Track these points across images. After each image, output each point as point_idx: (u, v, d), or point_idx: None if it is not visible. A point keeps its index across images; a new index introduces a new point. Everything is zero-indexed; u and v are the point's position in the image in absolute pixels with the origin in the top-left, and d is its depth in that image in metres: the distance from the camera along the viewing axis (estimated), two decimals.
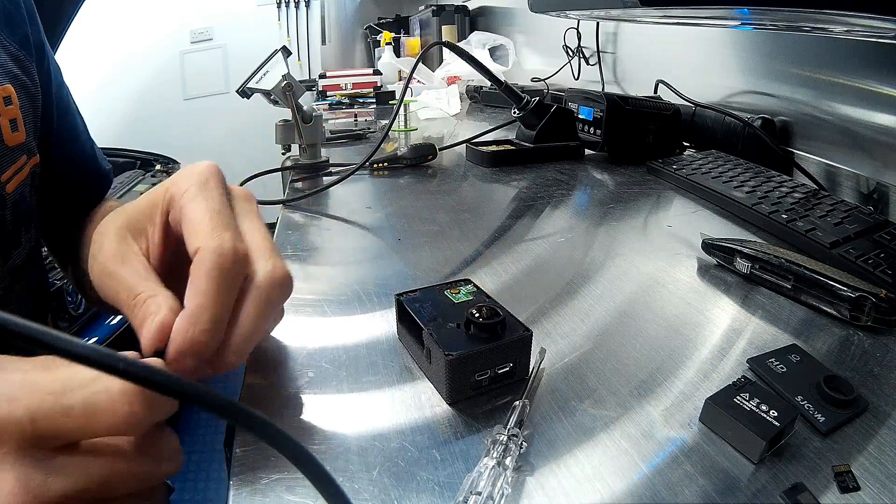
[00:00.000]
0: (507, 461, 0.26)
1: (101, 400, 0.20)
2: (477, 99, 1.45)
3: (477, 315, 0.33)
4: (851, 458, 0.28)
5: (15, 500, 0.19)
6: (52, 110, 0.45)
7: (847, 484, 0.26)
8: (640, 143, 0.83)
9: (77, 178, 0.50)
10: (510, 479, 0.26)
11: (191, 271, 0.25)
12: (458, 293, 0.37)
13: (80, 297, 1.39)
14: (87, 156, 0.52)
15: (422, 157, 0.83)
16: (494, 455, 0.27)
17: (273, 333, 0.40)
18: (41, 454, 0.20)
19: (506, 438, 0.27)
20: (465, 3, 2.12)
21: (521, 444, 0.28)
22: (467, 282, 0.39)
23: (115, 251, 0.28)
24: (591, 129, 0.84)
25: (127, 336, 1.44)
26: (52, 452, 0.20)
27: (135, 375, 0.17)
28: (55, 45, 1.63)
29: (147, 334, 0.25)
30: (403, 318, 0.37)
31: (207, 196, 0.28)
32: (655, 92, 1.01)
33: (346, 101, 1.58)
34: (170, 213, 0.29)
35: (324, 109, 1.46)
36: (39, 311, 0.45)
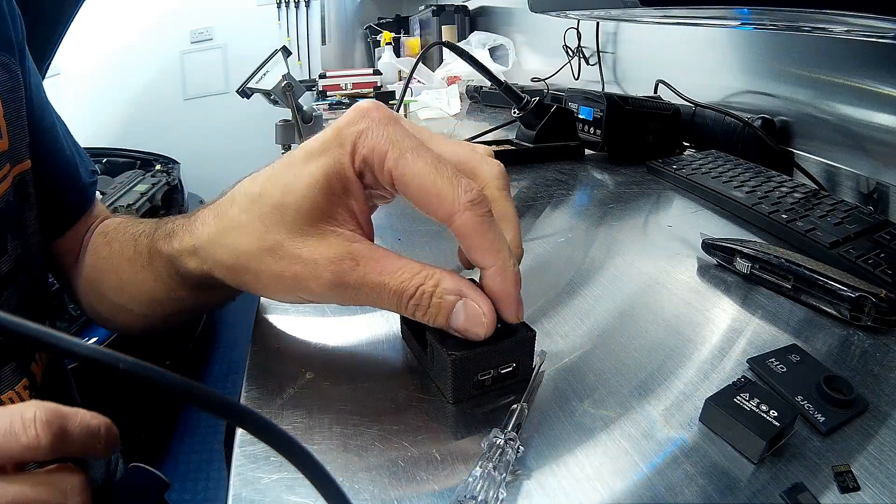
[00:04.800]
0: (504, 465, 0.26)
1: (15, 425, 0.20)
2: (477, 99, 1.45)
3: None
4: (851, 458, 0.28)
5: None
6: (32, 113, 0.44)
7: (847, 484, 0.26)
8: (640, 143, 0.83)
9: (53, 184, 0.45)
10: (506, 483, 0.26)
11: (471, 234, 0.26)
12: None
13: None
14: (65, 161, 0.47)
15: None
16: (491, 459, 0.26)
17: (273, 333, 0.40)
18: None
19: (503, 442, 0.27)
20: (465, 3, 2.12)
21: (518, 448, 0.28)
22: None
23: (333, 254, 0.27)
24: (591, 129, 0.84)
25: (127, 336, 1.44)
26: None
27: (135, 375, 0.17)
28: (55, 44, 1.63)
29: (482, 311, 0.27)
30: (406, 317, 0.37)
31: (425, 154, 0.26)
32: (655, 92, 1.01)
33: (346, 101, 1.58)
34: (374, 175, 0.27)
35: (324, 109, 1.46)
36: (33, 320, 0.44)
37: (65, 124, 0.49)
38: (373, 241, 0.30)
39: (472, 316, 0.27)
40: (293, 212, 0.27)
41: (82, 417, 0.22)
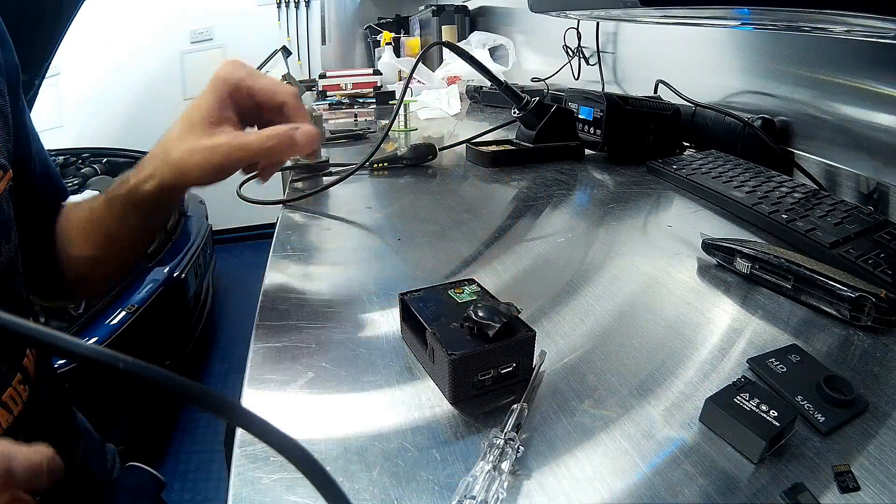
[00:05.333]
0: (504, 465, 0.26)
1: None
2: (477, 99, 1.45)
3: (481, 315, 0.32)
4: (851, 458, 0.28)
5: None
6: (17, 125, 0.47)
7: (847, 484, 0.26)
8: (640, 143, 0.83)
9: (40, 189, 0.51)
10: (506, 483, 0.26)
11: (289, 111, 0.42)
12: (462, 293, 0.37)
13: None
14: (45, 167, 0.52)
15: (422, 158, 0.83)
16: (490, 459, 0.26)
17: (273, 333, 0.40)
18: None
19: (502, 442, 0.27)
20: (465, 3, 2.12)
21: (518, 447, 0.28)
22: (471, 281, 0.39)
23: (219, 139, 0.41)
24: (591, 129, 0.84)
25: (127, 336, 1.44)
26: None
27: (135, 375, 0.17)
28: (55, 45, 1.63)
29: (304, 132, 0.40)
30: (407, 317, 0.37)
31: (259, 76, 0.43)
32: (655, 92, 1.01)
33: (346, 101, 1.58)
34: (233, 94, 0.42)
35: (324, 109, 1.46)
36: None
37: (36, 134, 0.53)
38: None
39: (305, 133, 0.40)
40: (197, 120, 0.41)
41: (25, 454, 0.24)
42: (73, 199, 0.56)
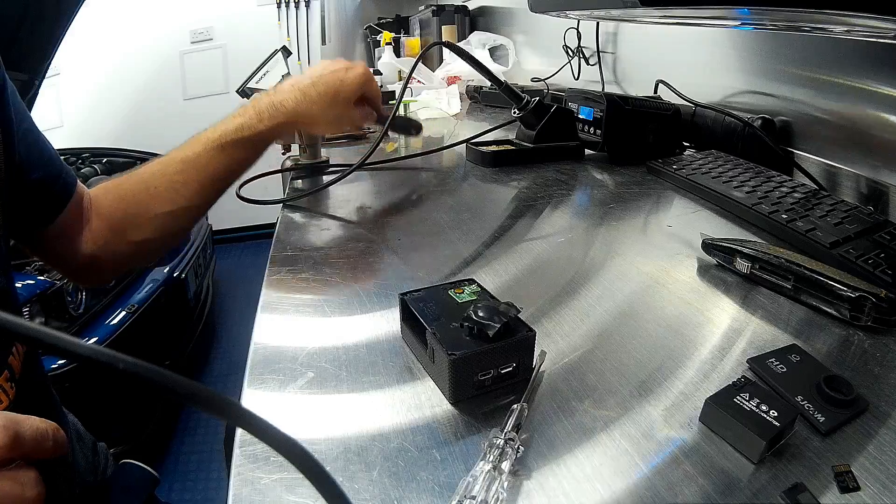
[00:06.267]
0: (504, 465, 0.26)
1: None
2: (477, 99, 1.44)
3: (481, 315, 0.32)
4: (851, 458, 0.28)
5: None
6: (12, 118, 0.46)
7: (847, 484, 0.26)
8: (640, 143, 0.83)
9: (47, 178, 0.50)
10: (506, 483, 0.26)
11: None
12: (462, 293, 0.37)
13: (80, 296, 1.39)
14: (49, 154, 0.52)
15: (404, 129, 0.80)
16: (490, 459, 0.26)
17: (273, 332, 0.40)
18: None
19: (502, 442, 0.27)
20: (465, 3, 2.12)
21: (518, 447, 0.28)
22: (471, 281, 0.39)
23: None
24: (591, 129, 0.84)
25: (127, 336, 1.44)
26: None
27: (135, 375, 0.17)
28: (55, 44, 1.63)
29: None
30: (407, 317, 0.37)
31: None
32: (655, 92, 1.01)
33: None
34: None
35: None
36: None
37: (37, 127, 0.52)
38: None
39: None
40: (343, 97, 0.58)
41: (32, 422, 0.26)
42: (109, 179, 0.57)
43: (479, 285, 0.39)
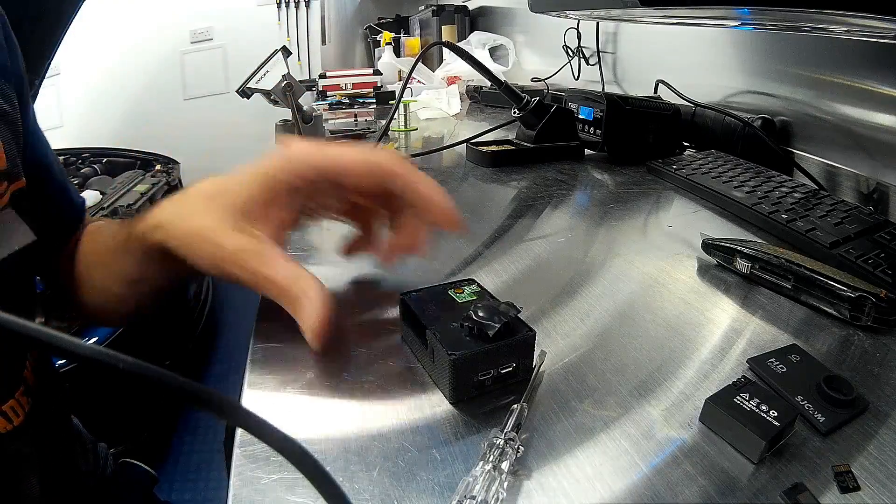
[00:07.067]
0: (504, 465, 0.26)
1: None
2: (477, 99, 1.44)
3: (481, 315, 0.32)
4: (851, 458, 0.28)
5: None
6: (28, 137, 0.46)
7: (847, 484, 0.26)
8: (640, 143, 0.83)
9: (50, 205, 0.49)
10: (506, 483, 0.26)
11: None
12: (463, 293, 0.37)
13: None
14: (59, 182, 0.51)
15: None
16: (490, 459, 0.26)
17: (273, 333, 0.40)
18: None
19: (502, 442, 0.27)
20: (465, 3, 2.12)
21: (518, 448, 0.28)
22: (471, 281, 0.39)
23: (249, 247, 0.35)
24: (591, 129, 0.84)
25: (127, 336, 1.44)
26: None
27: (135, 375, 0.17)
28: (55, 44, 1.63)
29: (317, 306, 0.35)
30: (407, 317, 0.37)
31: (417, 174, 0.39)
32: (655, 92, 1.01)
33: (346, 101, 1.58)
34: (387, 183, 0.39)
35: (324, 109, 1.46)
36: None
37: (54, 152, 0.52)
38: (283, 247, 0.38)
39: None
40: (229, 206, 0.36)
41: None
42: (99, 221, 0.55)
43: (479, 285, 0.39)
